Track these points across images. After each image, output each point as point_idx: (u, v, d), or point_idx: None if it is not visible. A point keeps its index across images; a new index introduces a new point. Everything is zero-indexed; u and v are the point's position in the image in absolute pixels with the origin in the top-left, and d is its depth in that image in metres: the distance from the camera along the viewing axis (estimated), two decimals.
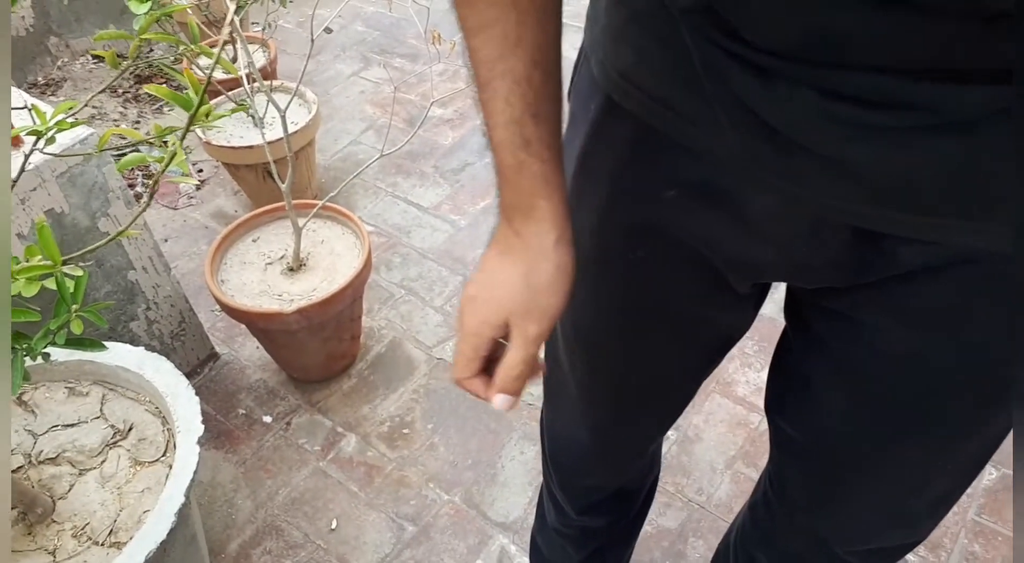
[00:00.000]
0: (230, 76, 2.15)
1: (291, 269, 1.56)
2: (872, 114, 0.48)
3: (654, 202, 0.63)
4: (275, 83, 2.10)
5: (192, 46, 0.99)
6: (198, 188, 2.22)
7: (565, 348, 0.85)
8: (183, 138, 0.72)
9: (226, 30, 0.73)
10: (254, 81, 1.61)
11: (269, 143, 1.65)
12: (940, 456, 0.72)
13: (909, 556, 1.33)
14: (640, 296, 0.73)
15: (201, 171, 2.28)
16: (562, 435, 0.98)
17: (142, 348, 1.24)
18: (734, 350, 1.70)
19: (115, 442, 1.18)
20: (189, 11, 1.69)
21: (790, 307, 0.75)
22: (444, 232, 2.02)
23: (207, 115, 0.84)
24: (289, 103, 1.58)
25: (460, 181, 2.18)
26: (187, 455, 1.10)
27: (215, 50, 0.89)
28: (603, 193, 0.67)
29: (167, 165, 0.72)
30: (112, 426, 1.19)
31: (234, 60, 2.25)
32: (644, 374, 0.82)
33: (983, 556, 1.33)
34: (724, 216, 0.61)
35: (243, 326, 1.64)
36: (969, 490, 1.39)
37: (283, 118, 1.48)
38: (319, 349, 1.59)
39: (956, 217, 0.53)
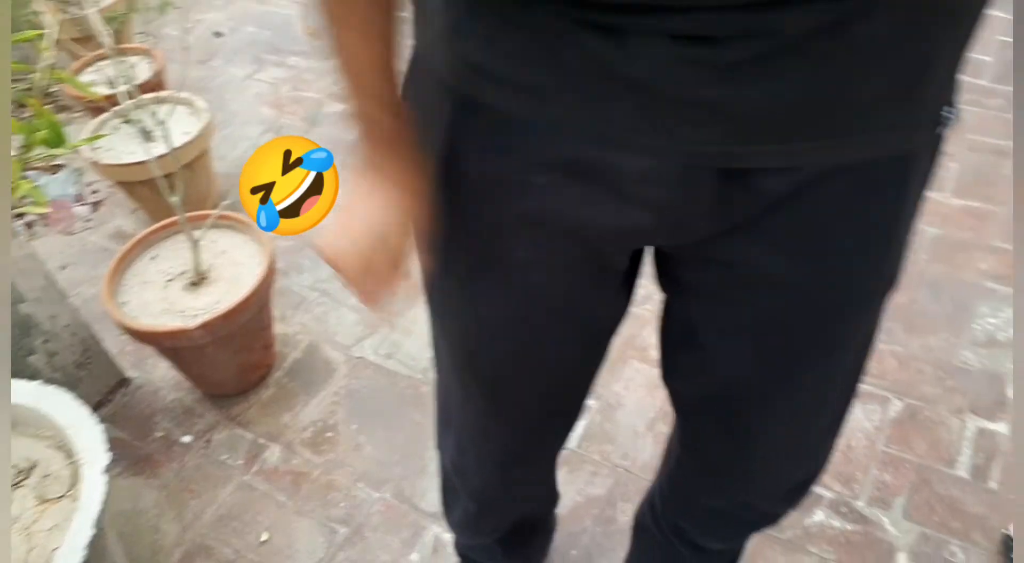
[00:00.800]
0: (114, 91, 2.08)
1: (193, 284, 1.53)
2: (719, 50, 0.50)
3: (526, 193, 0.63)
4: (163, 94, 2.05)
5: (49, 73, 0.96)
6: (95, 209, 2.15)
7: (458, 379, 0.85)
8: (24, 170, 0.70)
9: (47, 56, 0.70)
10: (131, 97, 1.56)
11: (161, 156, 1.61)
12: (831, 375, 0.77)
13: (825, 492, 1.39)
14: (527, 299, 0.72)
15: (96, 191, 2.21)
16: (470, 477, 1.00)
17: (38, 382, 1.20)
18: (648, 315, 1.73)
19: (18, 482, 1.14)
20: (57, 26, 1.63)
21: (661, 272, 0.76)
22: None
23: (56, 141, 0.81)
24: (171, 113, 1.54)
25: None
26: (93, 486, 1.07)
27: (88, 67, 0.86)
28: (473, 196, 0.66)
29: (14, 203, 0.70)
30: (14, 466, 1.15)
31: (119, 76, 2.18)
32: (544, 381, 0.82)
33: (893, 484, 1.39)
34: (599, 189, 0.62)
35: (153, 347, 1.60)
36: (877, 423, 1.46)
37: (164, 130, 1.44)
38: (231, 362, 1.56)
39: (816, 138, 0.56)
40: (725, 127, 0.55)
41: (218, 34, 2.87)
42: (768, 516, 0.96)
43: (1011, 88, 2.24)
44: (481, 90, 0.60)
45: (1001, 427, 1.45)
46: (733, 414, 0.81)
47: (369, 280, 0.67)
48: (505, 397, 0.84)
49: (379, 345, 1.71)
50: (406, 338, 1.72)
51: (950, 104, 0.60)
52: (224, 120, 2.42)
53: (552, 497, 1.20)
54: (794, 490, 0.91)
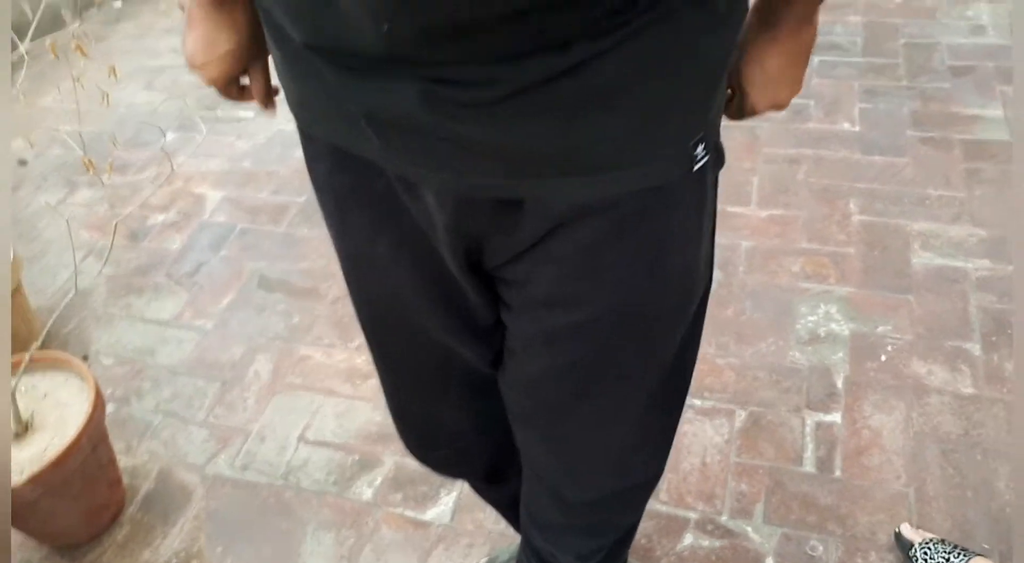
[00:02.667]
0: None
1: (16, 435, 1.43)
2: (467, 92, 0.57)
3: (371, 198, 0.74)
4: None
5: None
6: None
7: (366, 336, 0.95)
8: None
9: None
10: None
11: None
12: (633, 389, 0.83)
13: (690, 514, 1.43)
14: (398, 282, 0.82)
15: None
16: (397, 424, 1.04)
17: None
18: None
19: None
20: None
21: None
22: (191, 341, 1.94)
23: None
24: None
25: (197, 283, 2.10)
26: None
27: None
28: (337, 202, 0.79)
29: None
30: None
31: None
32: (416, 346, 0.90)
33: (750, 492, 1.45)
34: (421, 206, 0.71)
35: None
36: (726, 436, 1.52)
37: None
38: (73, 509, 1.47)
39: (566, 175, 0.62)
40: (483, 163, 0.61)
41: (22, 162, 2.74)
42: (613, 525, 1.03)
43: (793, 100, 2.44)
44: (310, 125, 0.74)
45: (836, 418, 1.55)
46: (547, 423, 0.88)
47: (223, 84, 0.80)
48: (389, 358, 0.95)
49: (234, 458, 1.65)
50: (260, 445, 1.67)
51: (705, 143, 0.66)
52: (39, 251, 2.30)
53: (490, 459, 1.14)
54: (627, 493, 0.97)
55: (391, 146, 0.64)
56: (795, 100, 2.52)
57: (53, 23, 3.39)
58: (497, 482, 1.15)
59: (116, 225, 1.52)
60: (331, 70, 0.62)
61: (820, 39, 2.66)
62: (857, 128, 2.28)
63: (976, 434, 1.49)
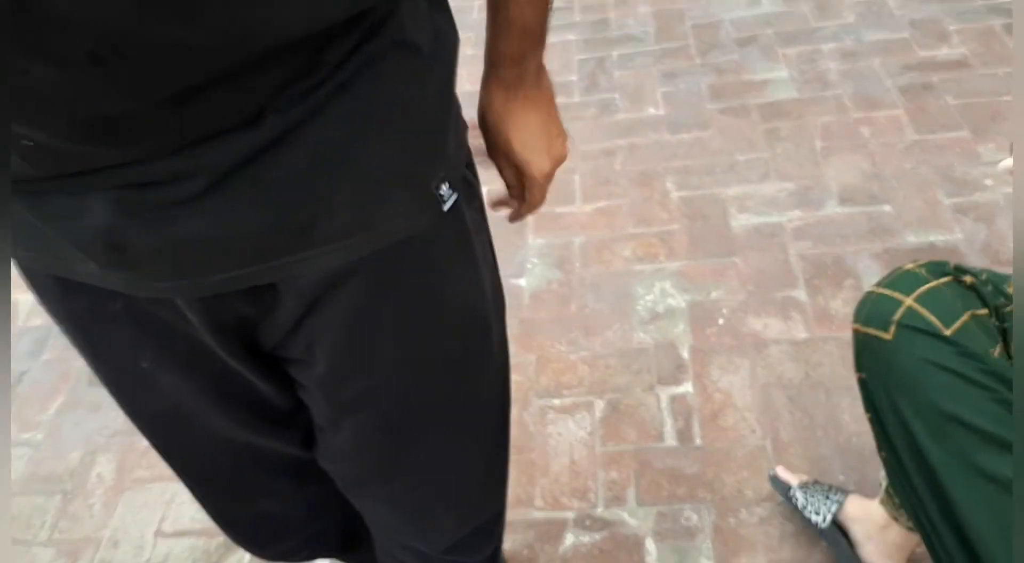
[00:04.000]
0: None
1: None
2: (164, 191, 0.51)
3: (121, 317, 0.67)
4: None
5: None
6: None
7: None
8: None
9: None
10: None
11: None
12: (462, 422, 0.81)
13: (567, 514, 1.43)
14: (169, 395, 0.75)
15: None
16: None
17: None
18: None
19: None
20: None
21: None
22: (22, 457, 1.78)
23: None
24: None
25: (21, 394, 1.94)
26: None
27: None
28: (81, 328, 0.71)
29: None
30: None
31: None
32: (206, 448, 0.83)
33: (620, 478, 1.46)
34: (172, 311, 0.65)
35: None
36: (589, 429, 1.52)
37: None
38: None
39: (305, 249, 0.58)
40: (212, 259, 0.56)
41: None
42: (477, 555, 0.99)
43: (600, 96, 2.52)
44: (20, 261, 0.64)
45: (687, 387, 1.59)
46: (379, 486, 0.85)
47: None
48: (191, 469, 0.87)
49: None
50: (115, 550, 1.54)
51: (450, 181, 0.63)
52: None
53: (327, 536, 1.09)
54: (481, 530, 0.94)
55: (108, 266, 0.57)
56: (602, 95, 2.57)
57: None
58: (356, 549, 1.09)
59: None
60: (18, 199, 0.54)
61: (616, 33, 2.74)
62: (662, 111, 2.38)
63: (816, 375, 1.56)
